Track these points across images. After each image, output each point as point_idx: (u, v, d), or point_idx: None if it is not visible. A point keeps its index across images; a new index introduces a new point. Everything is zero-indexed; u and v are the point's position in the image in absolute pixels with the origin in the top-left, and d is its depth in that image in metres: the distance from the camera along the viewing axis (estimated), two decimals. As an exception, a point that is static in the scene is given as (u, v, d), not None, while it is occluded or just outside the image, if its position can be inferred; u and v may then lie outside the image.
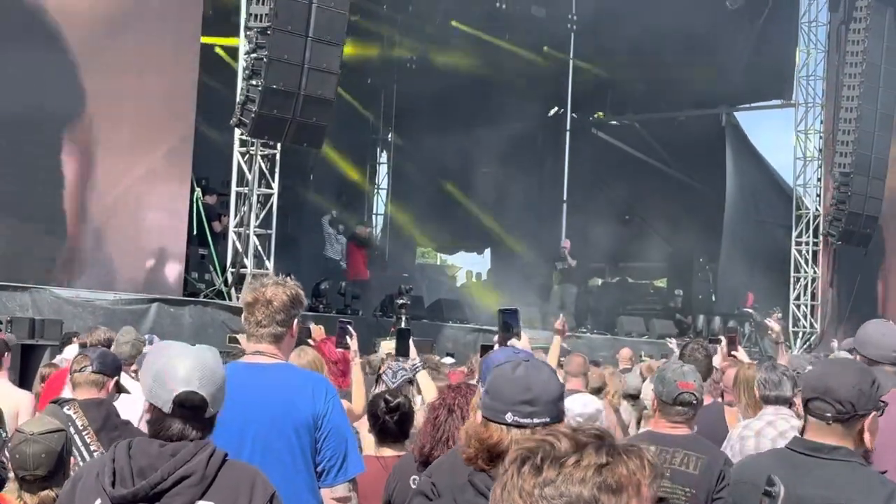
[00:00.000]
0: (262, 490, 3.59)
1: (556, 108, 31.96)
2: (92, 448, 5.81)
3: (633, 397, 10.80)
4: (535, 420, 3.15)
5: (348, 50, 19.82)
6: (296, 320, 4.87)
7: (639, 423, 10.17)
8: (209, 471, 3.48)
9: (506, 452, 3.11)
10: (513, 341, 6.11)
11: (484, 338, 17.34)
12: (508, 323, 6.37)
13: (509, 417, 3.15)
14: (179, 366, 3.55)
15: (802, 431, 3.96)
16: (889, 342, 5.14)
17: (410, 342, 8.35)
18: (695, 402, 5.37)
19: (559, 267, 26.59)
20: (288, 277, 4.99)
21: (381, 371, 7.88)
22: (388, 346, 10.46)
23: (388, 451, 5.92)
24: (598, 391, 9.34)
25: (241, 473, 3.61)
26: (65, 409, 6.14)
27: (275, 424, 4.67)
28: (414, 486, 4.97)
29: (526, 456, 2.07)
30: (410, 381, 7.68)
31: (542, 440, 2.09)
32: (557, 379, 3.33)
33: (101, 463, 3.60)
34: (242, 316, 4.90)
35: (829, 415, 3.80)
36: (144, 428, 3.87)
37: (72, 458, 5.02)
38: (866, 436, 3.80)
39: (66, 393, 6.71)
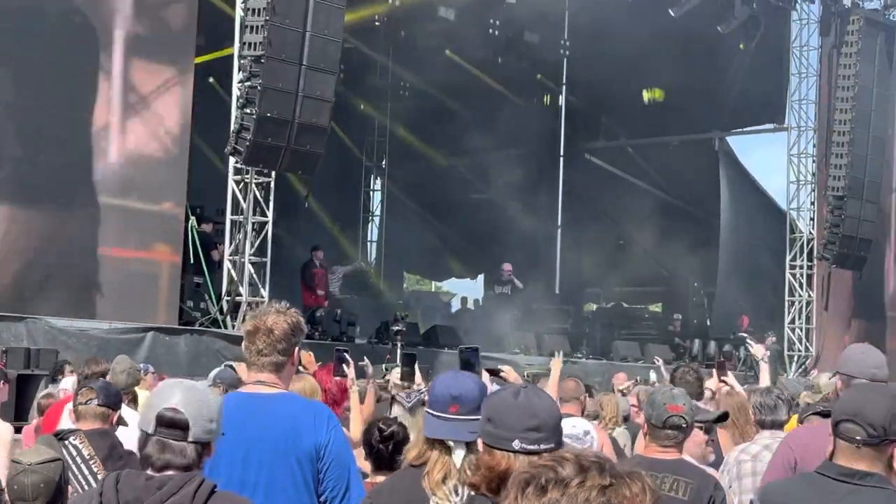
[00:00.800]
0: None
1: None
2: (100, 477, 5.79)
3: (626, 420, 10.83)
4: (542, 446, 3.16)
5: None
6: (296, 349, 4.87)
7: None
8: (196, 502, 3.44)
9: None
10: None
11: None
12: (470, 361, 6.40)
13: (517, 445, 3.16)
14: (171, 391, 3.56)
15: (832, 456, 3.88)
16: (869, 360, 5.17)
17: (416, 368, 8.36)
18: (684, 425, 5.32)
19: (497, 291, 26.07)
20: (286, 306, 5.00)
21: (395, 394, 7.85)
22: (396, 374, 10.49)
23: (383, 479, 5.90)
24: (594, 417, 9.36)
25: None
26: (70, 439, 6.14)
27: (277, 454, 4.65)
28: None
29: (530, 478, 2.08)
30: (423, 403, 7.68)
31: (546, 464, 2.11)
32: (556, 404, 3.35)
33: (88, 497, 3.58)
34: (243, 345, 4.89)
35: (858, 438, 3.73)
36: None
37: (69, 488, 4.99)
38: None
39: (67, 423, 6.69)
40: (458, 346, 6.20)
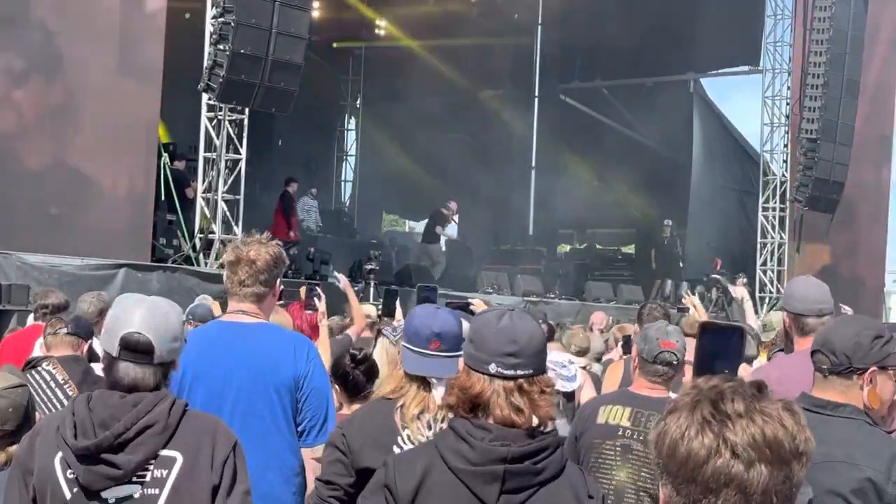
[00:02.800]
0: (224, 438, 3.56)
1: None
2: None
3: (599, 360, 10.88)
4: (519, 372, 3.12)
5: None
6: (278, 280, 4.86)
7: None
8: (171, 420, 3.45)
9: (487, 403, 3.12)
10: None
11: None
12: (430, 299, 6.37)
13: (493, 368, 3.12)
14: (132, 312, 3.53)
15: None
16: (813, 295, 5.02)
17: (397, 304, 8.39)
18: (675, 362, 5.26)
19: (439, 231, 24.69)
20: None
21: (381, 328, 7.84)
22: (369, 309, 10.51)
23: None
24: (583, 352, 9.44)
25: (203, 422, 3.58)
26: (43, 365, 6.14)
27: (256, 383, 4.66)
28: None
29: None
30: None
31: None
32: (541, 330, 3.29)
33: (60, 416, 3.56)
34: (224, 275, 4.88)
35: (825, 367, 3.72)
36: None
37: (37, 414, 4.97)
38: (865, 391, 3.67)
39: (39, 353, 6.69)
40: (417, 284, 6.16)
